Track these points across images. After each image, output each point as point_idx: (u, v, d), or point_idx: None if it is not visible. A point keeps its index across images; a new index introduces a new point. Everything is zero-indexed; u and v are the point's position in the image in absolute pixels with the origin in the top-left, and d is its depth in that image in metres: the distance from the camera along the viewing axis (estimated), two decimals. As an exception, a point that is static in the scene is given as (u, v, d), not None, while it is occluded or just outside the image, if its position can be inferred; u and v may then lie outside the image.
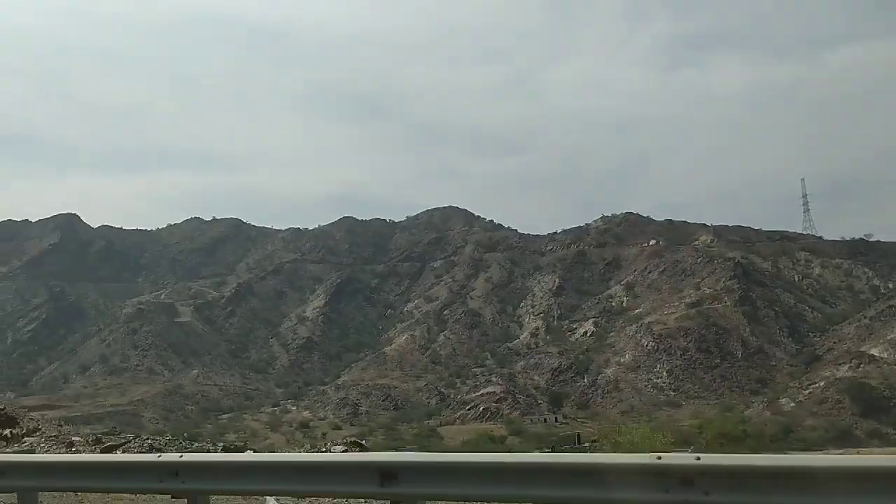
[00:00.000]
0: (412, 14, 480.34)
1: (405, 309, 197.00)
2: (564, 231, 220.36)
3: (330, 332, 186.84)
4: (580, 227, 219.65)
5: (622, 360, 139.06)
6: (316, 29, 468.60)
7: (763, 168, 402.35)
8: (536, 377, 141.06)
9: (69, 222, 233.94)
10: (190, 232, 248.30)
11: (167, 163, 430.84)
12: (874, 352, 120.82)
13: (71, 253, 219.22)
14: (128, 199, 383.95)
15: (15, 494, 7.63)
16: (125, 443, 12.68)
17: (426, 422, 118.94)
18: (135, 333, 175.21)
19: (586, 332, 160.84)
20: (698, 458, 5.16)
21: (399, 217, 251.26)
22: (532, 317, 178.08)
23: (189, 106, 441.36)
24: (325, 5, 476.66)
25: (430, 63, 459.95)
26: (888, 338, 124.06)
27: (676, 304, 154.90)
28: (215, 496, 8.10)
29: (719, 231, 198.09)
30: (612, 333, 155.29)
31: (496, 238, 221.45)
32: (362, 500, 8.96)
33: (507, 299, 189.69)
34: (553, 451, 56.38)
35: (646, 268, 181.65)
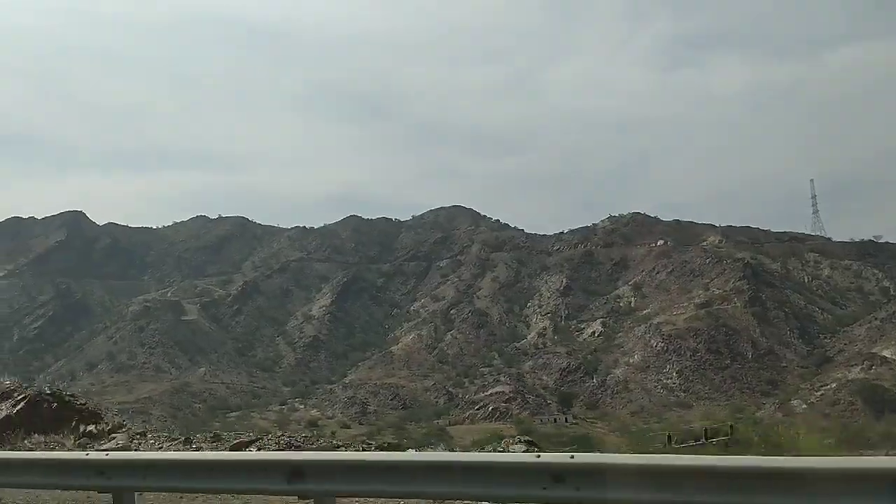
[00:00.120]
0: (412, 14, 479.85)
1: (411, 308, 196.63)
2: (571, 231, 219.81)
3: (336, 330, 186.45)
4: (587, 226, 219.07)
5: (631, 361, 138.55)
6: (316, 29, 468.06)
7: (763, 168, 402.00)
8: (545, 377, 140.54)
9: (75, 219, 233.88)
10: (196, 230, 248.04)
11: (167, 163, 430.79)
12: (886, 353, 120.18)
13: (77, 250, 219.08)
14: (128, 199, 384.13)
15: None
16: (254, 440, 12.16)
17: (435, 421, 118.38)
18: (141, 331, 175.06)
19: (594, 333, 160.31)
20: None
21: (402, 216, 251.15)
22: (539, 317, 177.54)
23: (189, 106, 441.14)
24: (325, 5, 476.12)
25: (430, 63, 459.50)
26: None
27: (685, 304, 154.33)
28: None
29: (727, 232, 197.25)
30: (620, 334, 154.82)
31: (502, 238, 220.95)
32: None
33: (514, 299, 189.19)
34: (669, 444, 55.68)
35: (654, 268, 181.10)
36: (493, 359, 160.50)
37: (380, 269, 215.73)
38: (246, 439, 12.55)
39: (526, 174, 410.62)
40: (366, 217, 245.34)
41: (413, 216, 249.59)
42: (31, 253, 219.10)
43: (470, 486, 5.82)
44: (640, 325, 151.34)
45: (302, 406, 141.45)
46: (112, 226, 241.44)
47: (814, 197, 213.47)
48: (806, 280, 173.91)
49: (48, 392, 14.99)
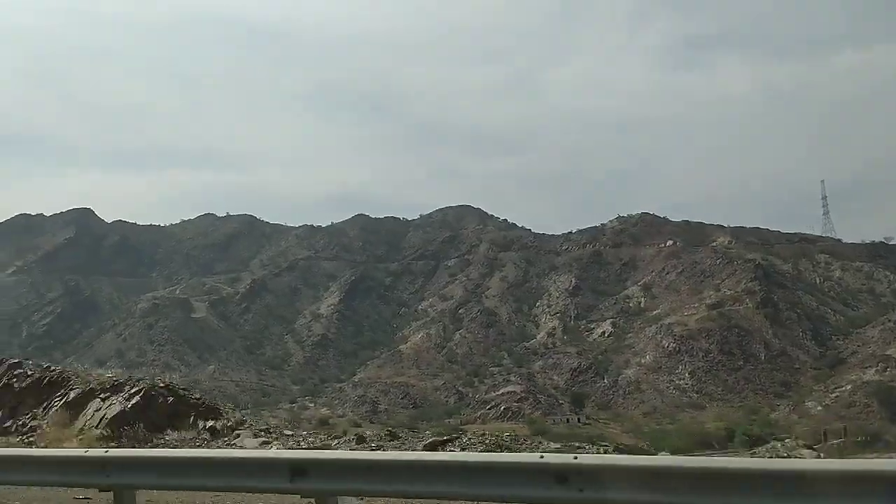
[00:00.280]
0: (412, 14, 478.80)
1: (419, 307, 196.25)
2: (580, 231, 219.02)
3: (345, 329, 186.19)
4: (595, 226, 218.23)
5: (643, 361, 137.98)
6: (316, 29, 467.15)
7: (763, 169, 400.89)
8: (556, 377, 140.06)
9: (83, 217, 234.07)
10: (203, 228, 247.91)
11: (168, 162, 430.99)
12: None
13: (85, 247, 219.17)
14: (128, 199, 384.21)
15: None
16: (451, 438, 11.73)
17: (447, 420, 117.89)
18: (150, 328, 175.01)
19: (604, 333, 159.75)
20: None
21: (403, 216, 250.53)
22: (548, 316, 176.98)
23: (189, 106, 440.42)
24: (325, 5, 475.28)
25: (430, 63, 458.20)
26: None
27: (696, 305, 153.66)
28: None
29: (736, 232, 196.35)
30: (630, 334, 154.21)
31: (510, 237, 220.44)
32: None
33: (522, 299, 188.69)
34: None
35: (663, 268, 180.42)
36: (502, 358, 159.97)
37: (388, 267, 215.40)
38: (438, 439, 12.10)
39: (526, 174, 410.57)
40: (373, 216, 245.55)
41: (421, 215, 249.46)
42: (40, 250, 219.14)
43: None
44: (650, 326, 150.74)
45: (312, 404, 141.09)
46: (120, 223, 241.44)
47: (825, 198, 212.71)
48: (817, 281, 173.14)
49: (161, 385, 14.58)
